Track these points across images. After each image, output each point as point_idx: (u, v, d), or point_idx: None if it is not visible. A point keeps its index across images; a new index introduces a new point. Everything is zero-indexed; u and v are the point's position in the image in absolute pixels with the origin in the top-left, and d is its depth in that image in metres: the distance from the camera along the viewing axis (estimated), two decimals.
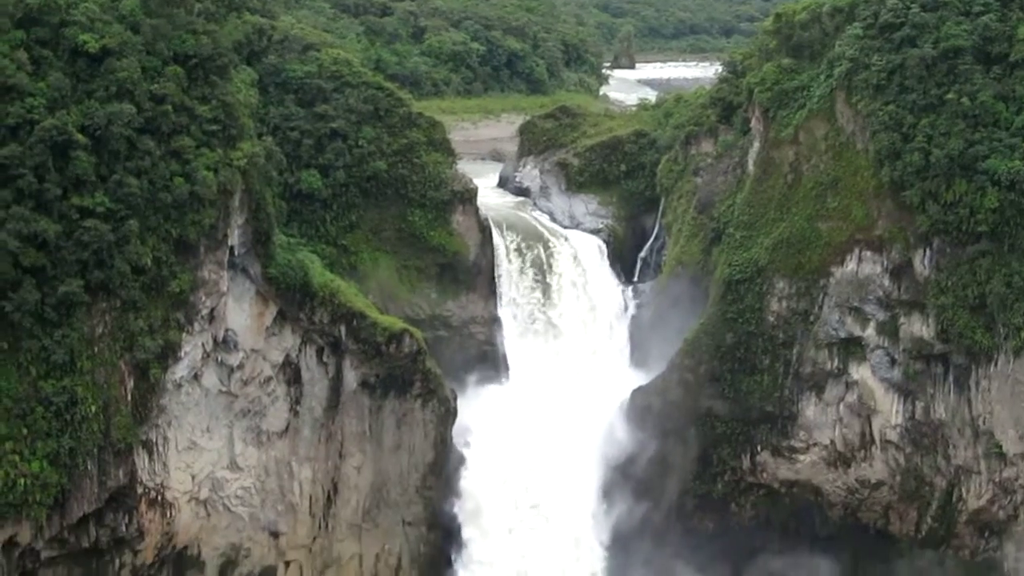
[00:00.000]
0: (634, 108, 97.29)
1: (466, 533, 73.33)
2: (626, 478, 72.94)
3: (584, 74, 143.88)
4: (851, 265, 71.01)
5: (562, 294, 76.63)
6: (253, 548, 70.73)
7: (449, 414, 72.36)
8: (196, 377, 67.08)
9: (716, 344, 72.98)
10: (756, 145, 75.04)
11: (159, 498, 67.10)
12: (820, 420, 72.71)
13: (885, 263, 70.40)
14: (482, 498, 73.12)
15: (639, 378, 74.87)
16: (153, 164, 63.57)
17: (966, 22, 69.41)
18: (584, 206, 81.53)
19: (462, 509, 73.10)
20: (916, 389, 70.26)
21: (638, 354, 76.40)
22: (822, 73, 72.92)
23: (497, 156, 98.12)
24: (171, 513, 67.68)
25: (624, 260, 79.58)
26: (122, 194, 62.64)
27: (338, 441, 71.07)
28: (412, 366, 71.01)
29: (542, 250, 77.29)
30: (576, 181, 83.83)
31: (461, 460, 73.24)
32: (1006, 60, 68.35)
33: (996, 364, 67.64)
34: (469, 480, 73.12)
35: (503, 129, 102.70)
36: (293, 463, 70.29)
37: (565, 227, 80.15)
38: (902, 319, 70.33)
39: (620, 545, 73.13)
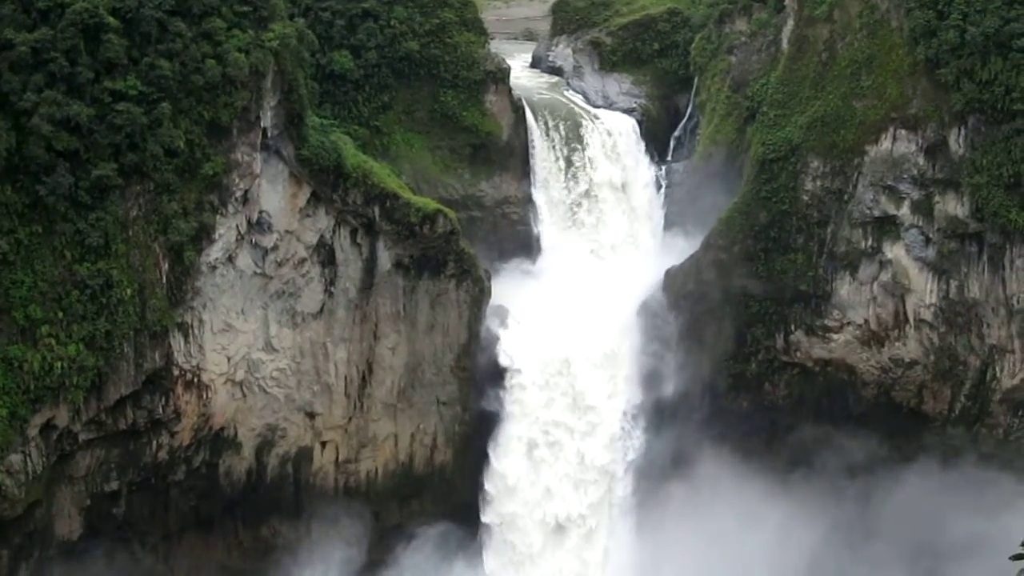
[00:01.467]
0: None
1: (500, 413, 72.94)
2: (659, 358, 72.38)
3: None
4: (886, 144, 69.98)
5: (595, 173, 75.65)
6: (289, 429, 70.79)
7: (483, 294, 72.07)
8: (230, 259, 66.77)
9: (750, 223, 72.20)
10: (790, 23, 73.78)
11: (195, 380, 67.14)
12: (854, 299, 72.03)
13: (920, 142, 69.37)
14: (516, 377, 72.55)
15: (673, 258, 74.01)
16: (184, 46, 62.77)
17: None
18: (617, 85, 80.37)
19: (496, 388, 72.56)
20: (950, 268, 69.47)
21: (672, 234, 75.54)
22: None
23: (530, 36, 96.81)
24: (207, 395, 67.78)
25: (658, 139, 78.44)
26: (154, 77, 61.97)
27: (372, 322, 70.73)
28: (446, 247, 70.55)
29: (576, 130, 76.25)
30: (609, 60, 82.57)
31: (495, 340, 72.52)
32: None
33: None
34: (503, 359, 72.49)
35: (536, 8, 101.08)
36: (328, 344, 70.05)
37: (598, 107, 79.01)
38: (936, 198, 69.40)
39: (654, 424, 72.72)
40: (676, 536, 70.48)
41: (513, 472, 73.12)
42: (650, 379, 72.80)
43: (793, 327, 72.92)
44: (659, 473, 72.67)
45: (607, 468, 73.63)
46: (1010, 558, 12.95)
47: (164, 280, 64.71)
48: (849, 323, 72.19)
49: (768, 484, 70.08)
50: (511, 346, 72.88)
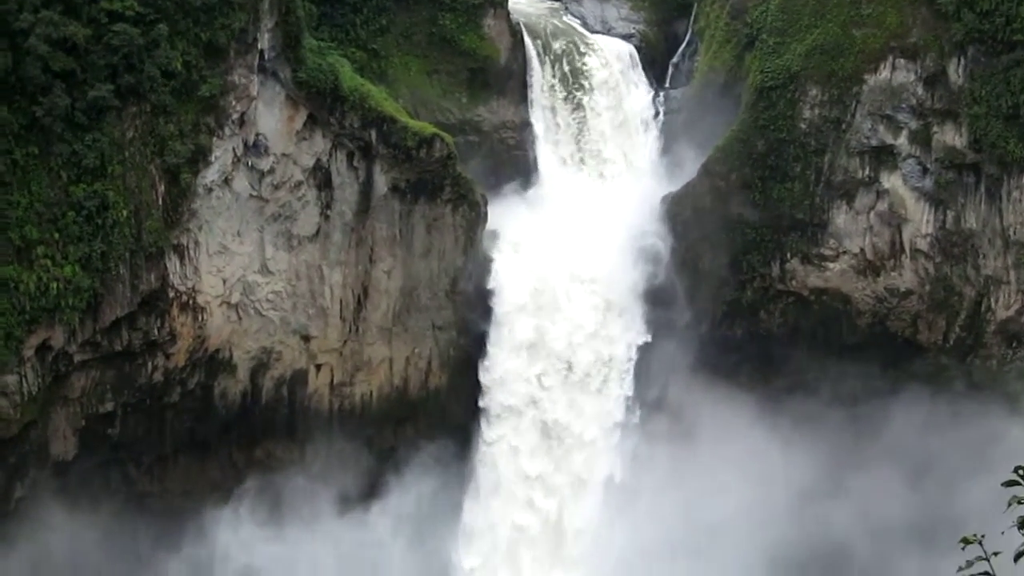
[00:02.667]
0: None
1: (492, 337, 72.39)
2: (655, 284, 71.75)
3: None
4: (885, 73, 69.25)
5: (593, 99, 74.84)
6: (284, 351, 70.34)
7: (479, 219, 71.30)
8: (227, 181, 66.12)
9: (747, 151, 71.52)
10: None
11: (190, 302, 66.74)
12: (850, 228, 71.51)
13: (919, 71, 68.66)
14: (509, 302, 72.04)
15: (670, 184, 73.32)
16: None
17: None
18: (616, 11, 79.09)
19: (489, 313, 72.09)
20: (947, 199, 69.01)
21: (669, 160, 74.83)
22: None
23: None
24: (202, 317, 67.37)
25: (656, 66, 77.34)
26: None
27: (368, 246, 70.12)
28: (442, 171, 69.74)
29: (574, 55, 75.39)
30: None
31: (489, 263, 71.99)
32: None
33: None
34: (497, 284, 71.97)
35: None
36: (324, 267, 69.52)
37: (596, 32, 77.84)
38: (935, 128, 68.81)
39: (646, 350, 72.23)
40: (668, 462, 70.27)
41: (503, 392, 72.43)
42: (644, 305, 72.12)
43: (789, 255, 72.39)
44: (652, 400, 72.26)
45: (599, 392, 72.92)
46: (1002, 484, 12.92)
47: (160, 202, 64.16)
48: (845, 252, 71.72)
49: (762, 412, 69.80)
50: (504, 270, 72.14)
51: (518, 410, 72.29)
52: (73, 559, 65.04)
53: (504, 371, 71.95)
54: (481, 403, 72.57)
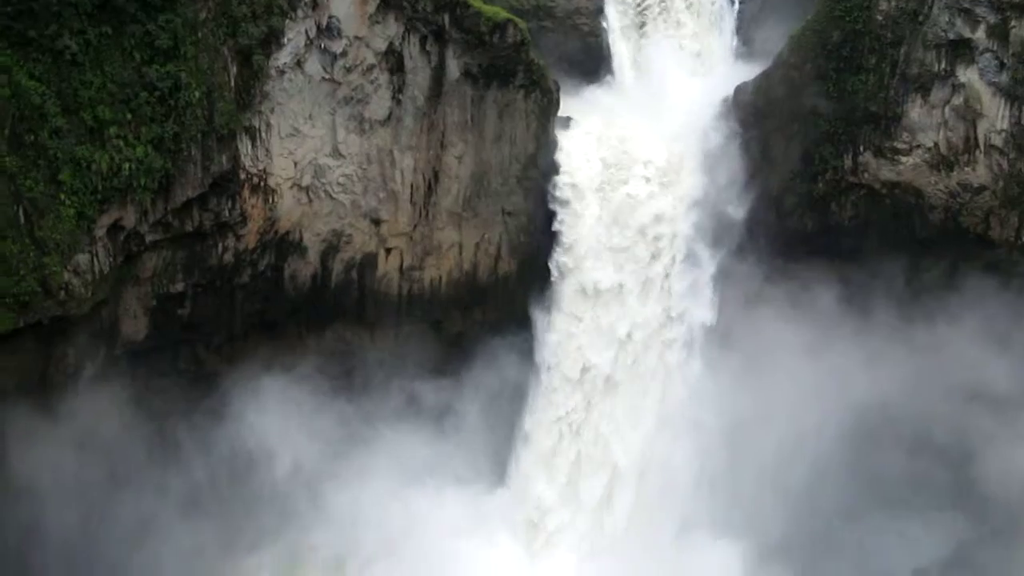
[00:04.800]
0: None
1: (561, 222, 70.16)
2: (727, 173, 69.39)
3: None
4: None
5: None
6: (354, 235, 68.62)
7: (551, 105, 68.93)
8: (299, 64, 64.01)
9: (822, 42, 68.67)
10: None
11: (262, 184, 65.05)
12: (924, 122, 68.67)
13: None
14: (580, 189, 69.66)
15: (743, 74, 70.76)
16: None
17: None
18: None
19: (559, 200, 69.75)
20: (1023, 94, 66.02)
21: (743, 50, 72.32)
22: None
23: None
24: (273, 199, 65.70)
25: None
26: None
27: (440, 131, 67.87)
28: (515, 56, 67.25)
29: None
30: None
31: (556, 148, 69.50)
32: None
33: None
34: (568, 172, 69.57)
35: None
36: (395, 152, 67.38)
37: None
38: (1013, 22, 65.71)
39: (716, 239, 69.92)
40: (735, 352, 68.17)
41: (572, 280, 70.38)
42: (715, 195, 69.68)
43: (862, 148, 69.73)
44: (722, 290, 69.98)
45: (667, 279, 70.70)
46: None
47: (232, 84, 62.24)
48: (919, 146, 68.98)
49: (832, 305, 67.72)
50: (574, 156, 69.67)
51: (586, 292, 70.07)
52: (119, 440, 63.67)
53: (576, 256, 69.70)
54: (547, 292, 70.53)
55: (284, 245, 67.42)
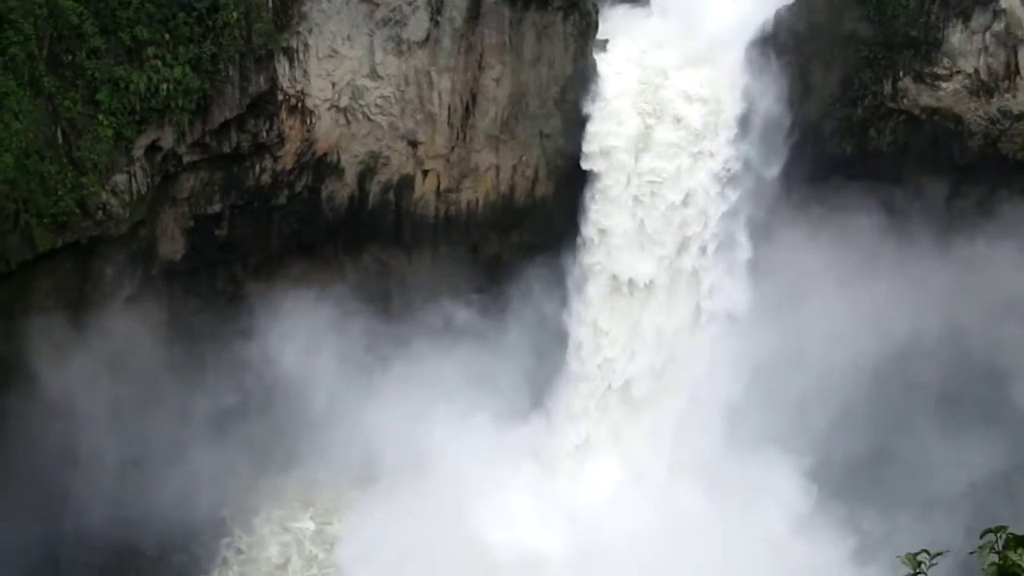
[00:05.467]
0: None
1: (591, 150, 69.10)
2: (765, 97, 68.07)
3: None
4: None
5: None
6: (392, 157, 67.85)
7: (590, 28, 67.86)
8: None
9: None
10: None
11: (299, 105, 64.54)
12: (965, 48, 67.35)
13: None
14: (615, 111, 68.63)
15: None
16: None
17: None
18: None
19: (595, 121, 68.74)
20: None
21: None
22: None
23: None
24: (311, 120, 65.18)
25: None
26: None
27: (477, 52, 66.88)
28: None
29: None
30: None
31: (594, 67, 68.41)
32: None
33: None
34: (605, 92, 68.45)
35: None
36: (432, 73, 66.47)
37: None
38: None
39: (755, 162, 68.76)
40: (775, 280, 67.29)
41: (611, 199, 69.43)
42: (754, 118, 68.57)
43: (902, 73, 68.46)
44: (762, 213, 68.94)
45: (707, 199, 69.62)
46: None
47: (270, 4, 61.90)
48: (959, 72, 67.74)
49: (873, 226, 66.82)
50: (612, 79, 68.54)
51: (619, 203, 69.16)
52: (154, 361, 63.43)
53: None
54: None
55: (321, 167, 66.84)
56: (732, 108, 68.26)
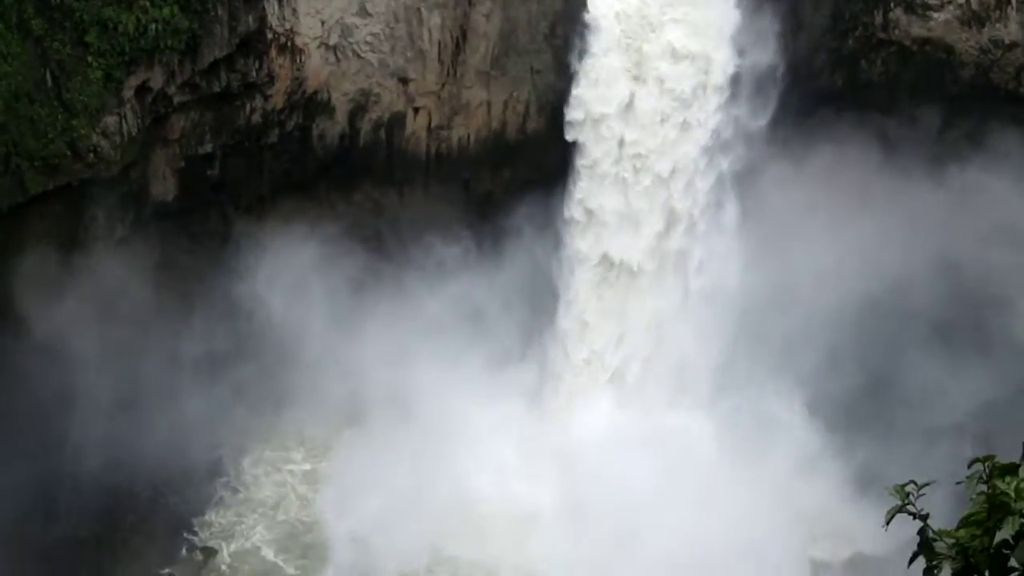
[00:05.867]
0: None
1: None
2: (755, 30, 67.43)
3: None
4: None
5: None
6: (382, 94, 67.52)
7: None
8: None
9: None
10: None
11: (289, 44, 64.07)
12: None
13: None
14: (605, 42, 68.04)
15: None
16: None
17: None
18: None
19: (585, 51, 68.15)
20: None
21: None
22: None
23: None
24: (300, 59, 64.75)
25: None
26: None
27: None
28: None
29: None
30: None
31: (587, 9, 67.76)
32: None
33: None
34: (594, 20, 67.70)
35: None
36: (422, 9, 66.09)
37: None
38: None
39: (748, 97, 68.28)
40: (773, 215, 66.89)
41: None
42: (745, 51, 67.97)
43: (892, 4, 68.08)
44: (755, 149, 68.50)
45: (700, 130, 68.89)
46: None
47: None
48: (950, 2, 67.42)
49: (863, 164, 66.50)
50: (601, 8, 67.69)
51: (607, 138, 68.43)
52: (146, 303, 63.36)
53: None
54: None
55: (312, 105, 66.48)
56: (716, 37, 67.45)
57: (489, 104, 69.25)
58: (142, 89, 60.19)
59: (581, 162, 68.20)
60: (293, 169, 67.97)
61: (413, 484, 63.89)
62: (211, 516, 66.55)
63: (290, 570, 64.35)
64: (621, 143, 67.52)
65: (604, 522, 61.92)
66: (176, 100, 61.86)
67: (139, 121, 60.65)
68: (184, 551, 64.21)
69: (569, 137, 67.85)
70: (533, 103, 69.44)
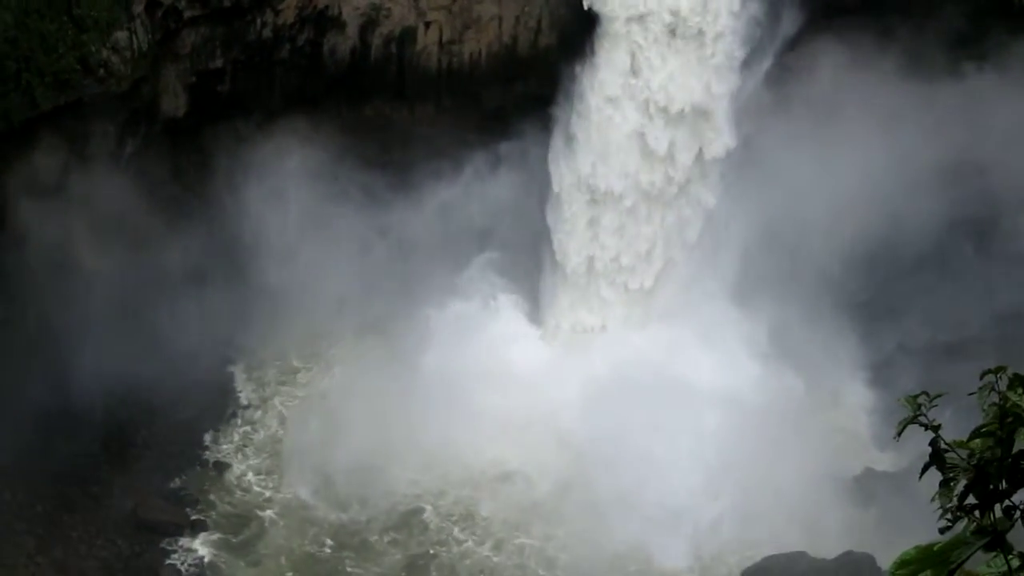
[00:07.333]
0: None
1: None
2: None
3: None
4: None
5: None
6: (393, 8, 67.07)
7: None
8: None
9: None
10: None
11: None
12: None
13: None
14: None
15: None
16: None
17: None
18: None
19: None
20: None
21: None
22: None
23: None
24: None
25: None
26: None
27: None
28: None
29: None
30: None
31: None
32: None
33: None
34: None
35: None
36: None
37: None
38: None
39: (761, 12, 67.68)
40: (786, 131, 66.41)
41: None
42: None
43: None
44: (762, 62, 68.10)
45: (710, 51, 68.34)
46: None
47: None
48: None
49: (879, 56, 65.62)
50: None
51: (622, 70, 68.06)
52: (153, 214, 63.49)
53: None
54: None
55: (323, 20, 66.07)
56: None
57: (501, 19, 68.72)
58: (152, 4, 59.91)
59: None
60: (304, 85, 67.71)
61: (416, 400, 64.10)
62: (222, 432, 66.85)
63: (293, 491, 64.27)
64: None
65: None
66: (186, 15, 61.61)
67: (149, 36, 60.40)
68: (197, 466, 64.57)
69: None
70: (545, 18, 68.75)
